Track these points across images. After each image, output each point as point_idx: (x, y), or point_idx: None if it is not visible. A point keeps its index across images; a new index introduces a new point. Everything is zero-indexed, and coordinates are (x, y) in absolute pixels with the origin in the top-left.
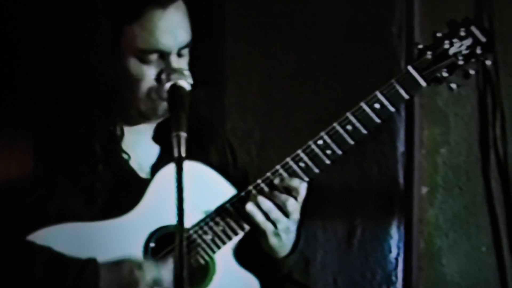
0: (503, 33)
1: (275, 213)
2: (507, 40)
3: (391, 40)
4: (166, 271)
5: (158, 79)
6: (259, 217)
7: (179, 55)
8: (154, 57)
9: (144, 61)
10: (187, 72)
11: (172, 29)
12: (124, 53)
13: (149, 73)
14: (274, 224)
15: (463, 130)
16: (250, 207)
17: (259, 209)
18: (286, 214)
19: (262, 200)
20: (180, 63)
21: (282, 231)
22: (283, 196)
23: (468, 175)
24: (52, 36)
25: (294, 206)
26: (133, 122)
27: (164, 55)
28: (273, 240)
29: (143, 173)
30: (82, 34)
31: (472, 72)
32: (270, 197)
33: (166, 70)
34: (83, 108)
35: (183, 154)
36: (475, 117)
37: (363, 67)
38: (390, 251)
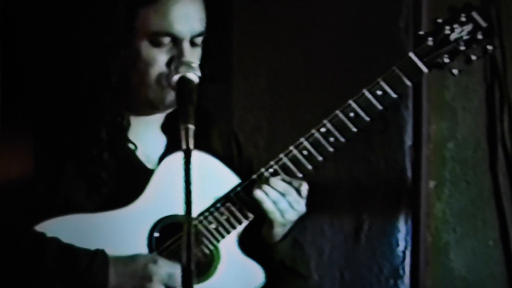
0: (510, 26)
1: (284, 204)
2: None
3: (398, 34)
4: (179, 267)
5: (169, 65)
6: (268, 205)
7: (192, 44)
8: (166, 40)
9: (156, 44)
10: (195, 65)
11: (186, 15)
12: (137, 35)
13: (160, 58)
14: (282, 213)
15: (470, 124)
16: (259, 193)
17: (268, 196)
18: (294, 204)
19: (272, 187)
20: (193, 53)
21: (288, 222)
22: (290, 188)
23: (475, 169)
24: (64, 17)
25: (300, 200)
26: (140, 112)
27: (176, 41)
28: (278, 230)
29: (151, 164)
30: (96, 15)
31: (474, 57)
32: (272, 185)
33: (175, 61)
34: (93, 93)
35: (191, 147)
36: (483, 111)
37: (370, 62)
38: (397, 245)
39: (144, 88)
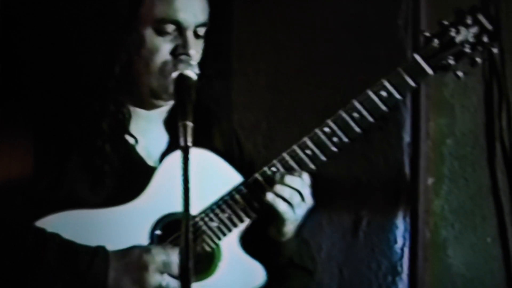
0: (510, 25)
1: (296, 199)
2: None
3: (397, 32)
4: (175, 255)
5: (173, 54)
6: (282, 206)
7: (196, 35)
8: (170, 28)
9: (161, 33)
10: (193, 62)
11: (190, 3)
12: (141, 22)
13: (164, 47)
14: (293, 209)
15: (469, 121)
16: (270, 197)
17: (280, 197)
18: (302, 198)
19: (281, 188)
20: (197, 44)
21: (299, 217)
22: (295, 180)
23: (474, 166)
24: (68, 7)
25: (306, 189)
26: (143, 103)
27: (181, 30)
28: (288, 227)
29: (151, 161)
30: (100, 3)
31: (478, 60)
32: (286, 183)
33: (179, 50)
34: (96, 83)
35: (190, 144)
36: (481, 108)
37: (370, 59)
38: (396, 242)
39: (148, 77)
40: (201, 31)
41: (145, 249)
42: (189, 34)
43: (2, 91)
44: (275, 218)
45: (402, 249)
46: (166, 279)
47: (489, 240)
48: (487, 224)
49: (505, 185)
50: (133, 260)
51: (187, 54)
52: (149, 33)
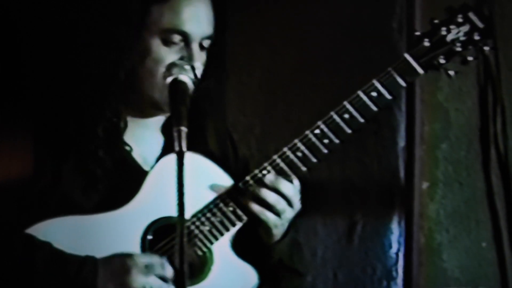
0: (504, 28)
1: (281, 205)
2: (508, 35)
3: (391, 35)
4: (156, 257)
5: None
6: (267, 214)
7: (201, 47)
8: (176, 39)
9: (167, 43)
10: (188, 67)
11: (198, 15)
12: (148, 32)
13: (169, 58)
14: (279, 215)
15: (463, 125)
16: (256, 208)
17: (264, 206)
18: (289, 204)
19: (265, 193)
20: (201, 56)
21: (285, 221)
22: (286, 185)
23: (468, 170)
24: (73, 12)
25: (295, 195)
26: (143, 113)
27: (187, 41)
28: (275, 231)
29: (147, 166)
30: (108, 10)
31: (470, 58)
32: (273, 187)
33: (172, 64)
34: (96, 88)
35: (184, 149)
36: (476, 112)
37: (364, 62)
38: (390, 246)
39: (151, 87)
40: (206, 43)
41: (126, 255)
42: (195, 46)
43: (2, 91)
44: (261, 222)
45: (397, 254)
46: (150, 281)
47: (484, 244)
48: (481, 228)
49: (499, 189)
50: (116, 266)
51: (192, 66)
52: (155, 43)
